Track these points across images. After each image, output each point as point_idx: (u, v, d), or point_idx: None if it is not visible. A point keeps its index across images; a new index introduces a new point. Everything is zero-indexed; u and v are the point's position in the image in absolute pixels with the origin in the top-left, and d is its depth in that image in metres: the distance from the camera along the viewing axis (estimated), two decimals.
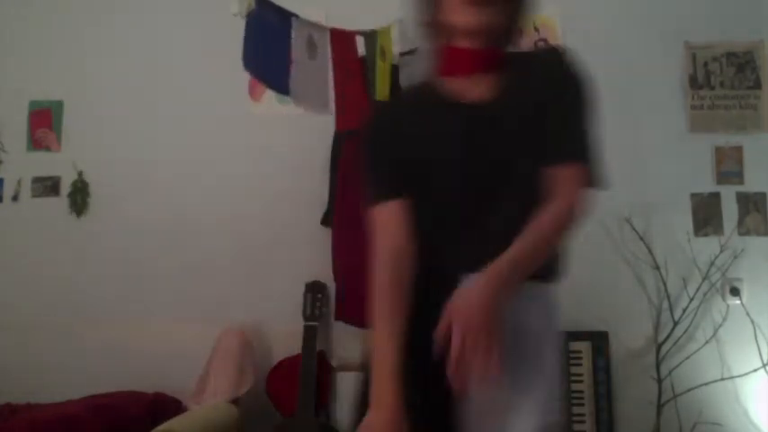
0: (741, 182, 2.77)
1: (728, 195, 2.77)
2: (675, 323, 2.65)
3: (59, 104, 3.04)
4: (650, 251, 2.69)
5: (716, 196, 2.77)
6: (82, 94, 3.02)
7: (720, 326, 2.67)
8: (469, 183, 1.20)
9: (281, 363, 2.70)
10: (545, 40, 2.81)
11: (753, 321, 2.65)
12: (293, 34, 2.61)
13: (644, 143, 2.76)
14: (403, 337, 1.16)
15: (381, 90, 2.63)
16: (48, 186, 3.00)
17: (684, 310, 2.65)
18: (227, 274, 2.86)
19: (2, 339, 2.88)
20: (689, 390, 2.61)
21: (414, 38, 2.76)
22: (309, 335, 2.63)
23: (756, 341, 2.64)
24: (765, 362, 2.62)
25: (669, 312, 2.67)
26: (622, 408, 2.63)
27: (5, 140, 3.04)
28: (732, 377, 2.63)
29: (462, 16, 1.17)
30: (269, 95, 2.82)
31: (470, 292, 1.06)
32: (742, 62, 2.84)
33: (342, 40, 2.68)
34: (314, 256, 2.76)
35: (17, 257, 2.97)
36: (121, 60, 3.02)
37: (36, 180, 3.00)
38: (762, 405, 2.63)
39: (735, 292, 2.69)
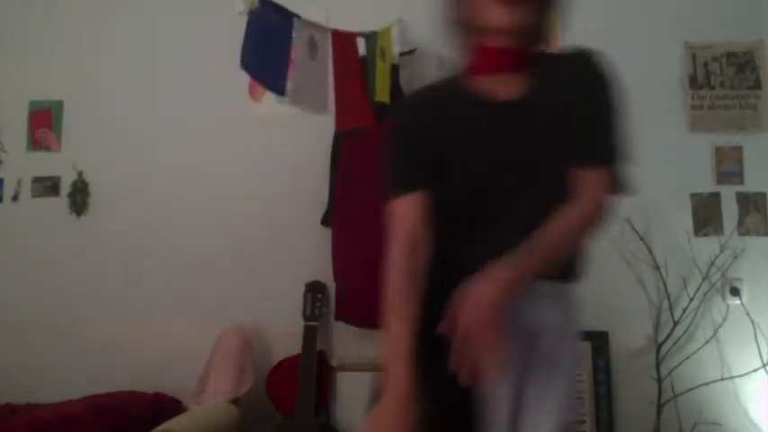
0: (741, 182, 2.77)
1: (728, 195, 2.77)
2: (675, 323, 2.65)
3: (59, 104, 3.04)
4: (650, 251, 2.69)
5: (716, 196, 2.77)
6: (82, 94, 3.02)
7: (720, 326, 2.66)
8: (494, 180, 1.20)
9: (281, 363, 2.70)
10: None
11: (753, 321, 2.65)
12: (294, 34, 2.61)
13: (644, 143, 2.75)
14: (417, 324, 1.16)
15: (381, 90, 2.64)
16: (48, 186, 3.00)
17: (684, 310, 2.65)
18: (227, 274, 2.86)
19: (2, 339, 2.88)
20: (689, 390, 2.61)
21: (413, 38, 2.78)
22: (309, 335, 2.63)
23: (756, 341, 2.64)
24: (765, 362, 2.62)
25: (669, 312, 2.67)
26: (622, 408, 2.64)
27: (5, 140, 3.04)
28: (732, 377, 2.63)
29: (494, 15, 1.17)
30: (269, 95, 2.82)
31: (478, 289, 1.06)
32: (742, 62, 2.84)
33: (342, 40, 2.68)
34: (314, 256, 2.76)
35: (17, 257, 2.97)
36: (121, 60, 3.02)
37: (36, 180, 3.00)
38: (762, 405, 2.63)
39: (735, 292, 2.69)
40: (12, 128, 3.03)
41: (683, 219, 2.75)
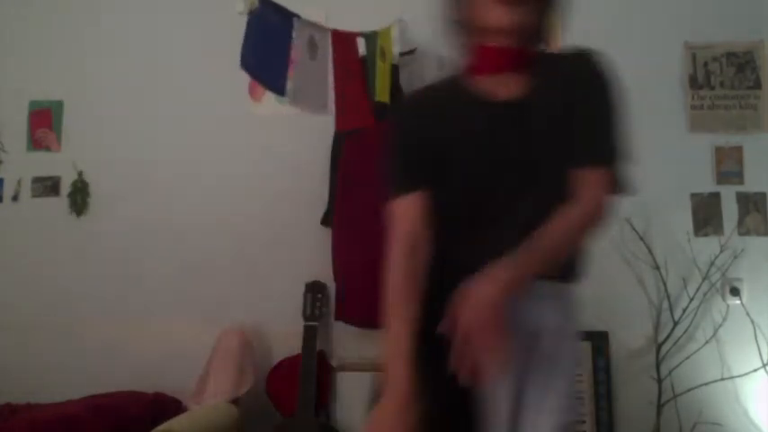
0: (741, 182, 2.77)
1: (728, 195, 2.77)
2: (675, 323, 2.65)
3: (59, 104, 3.04)
4: (650, 251, 2.69)
5: (716, 196, 2.77)
6: (82, 94, 3.02)
7: (720, 326, 2.66)
8: (494, 180, 1.20)
9: (281, 363, 2.70)
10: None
11: (753, 321, 2.65)
12: (294, 35, 2.61)
13: (644, 143, 2.75)
14: (417, 324, 1.16)
15: (381, 90, 2.64)
16: (48, 186, 3.00)
17: (684, 310, 2.65)
18: (227, 274, 2.86)
19: (2, 339, 2.88)
20: (689, 390, 2.61)
21: (413, 38, 2.78)
22: (309, 335, 2.63)
23: (756, 341, 2.64)
24: (765, 362, 2.62)
25: (669, 312, 2.67)
26: (622, 408, 2.64)
27: (5, 140, 3.04)
28: (732, 377, 2.63)
29: (494, 15, 1.17)
30: (269, 95, 2.82)
31: (478, 289, 1.06)
32: (742, 62, 2.84)
33: (342, 40, 2.68)
34: (314, 256, 2.76)
35: (17, 257, 2.97)
36: (121, 60, 3.01)
37: (36, 180, 3.00)
38: (762, 405, 2.63)
39: (735, 292, 2.69)
40: (12, 128, 3.03)
41: (683, 219, 2.75)
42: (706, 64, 2.85)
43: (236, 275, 2.85)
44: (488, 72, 1.23)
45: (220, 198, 2.90)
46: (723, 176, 2.78)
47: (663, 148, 2.73)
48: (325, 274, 2.73)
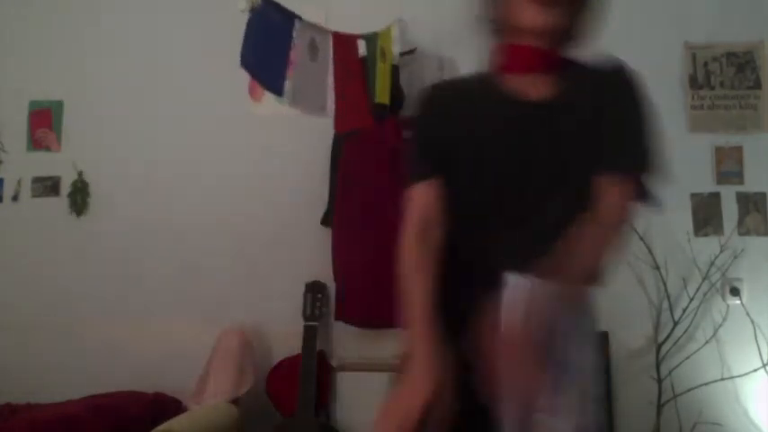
0: (741, 182, 2.77)
1: (728, 195, 2.77)
2: (675, 323, 2.65)
3: (59, 104, 3.04)
4: (650, 251, 2.68)
5: (716, 196, 2.77)
6: (82, 94, 3.02)
7: (720, 326, 2.66)
8: (523, 180, 1.20)
9: (281, 363, 2.70)
10: None
11: (753, 321, 2.64)
12: (295, 35, 2.61)
13: None
14: (434, 296, 1.16)
15: (381, 91, 2.64)
16: (48, 186, 3.00)
17: (684, 310, 2.65)
18: (227, 274, 2.86)
19: (2, 339, 2.88)
20: (689, 390, 2.61)
21: (413, 38, 2.78)
22: (309, 335, 2.63)
23: (756, 341, 2.64)
24: (765, 362, 2.62)
25: (669, 312, 2.67)
26: (622, 408, 2.64)
27: (5, 140, 3.04)
28: (732, 377, 2.63)
29: (528, 15, 1.17)
30: (269, 96, 2.82)
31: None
32: (742, 62, 2.84)
33: (343, 42, 2.68)
34: (314, 256, 2.76)
35: (17, 257, 2.97)
36: (121, 60, 3.02)
37: (36, 180, 3.01)
38: (762, 405, 2.63)
39: (735, 292, 2.69)
40: (12, 128, 3.03)
41: (683, 219, 2.75)
42: (706, 64, 2.85)
43: (236, 275, 2.85)
44: (519, 71, 1.23)
45: (220, 198, 2.90)
46: (723, 176, 2.78)
47: (663, 147, 2.73)
48: (326, 274, 2.73)
